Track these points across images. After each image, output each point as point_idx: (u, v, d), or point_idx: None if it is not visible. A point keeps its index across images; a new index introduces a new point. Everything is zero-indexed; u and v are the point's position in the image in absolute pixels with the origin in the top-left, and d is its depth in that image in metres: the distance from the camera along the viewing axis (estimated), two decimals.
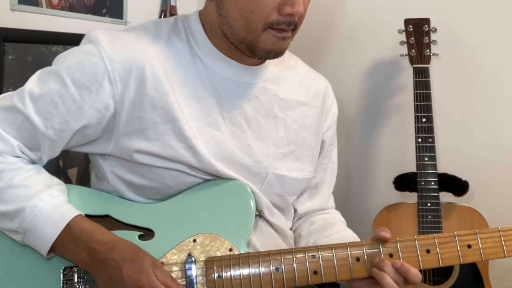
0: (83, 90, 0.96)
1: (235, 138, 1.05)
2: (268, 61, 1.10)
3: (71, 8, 1.55)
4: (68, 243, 0.94)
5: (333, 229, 1.17)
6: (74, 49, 1.01)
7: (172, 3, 1.87)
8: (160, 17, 1.86)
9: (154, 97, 0.98)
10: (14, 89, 1.33)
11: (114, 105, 0.97)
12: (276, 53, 1.01)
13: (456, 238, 0.97)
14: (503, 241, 0.97)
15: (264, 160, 1.08)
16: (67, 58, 0.99)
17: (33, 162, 1.01)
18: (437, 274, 1.61)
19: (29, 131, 0.97)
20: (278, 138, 1.10)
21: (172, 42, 1.03)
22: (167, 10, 1.85)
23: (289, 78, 1.14)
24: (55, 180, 1.02)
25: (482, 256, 0.96)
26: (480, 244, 0.96)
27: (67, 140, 1.00)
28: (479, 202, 1.65)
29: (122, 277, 0.90)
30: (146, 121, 0.98)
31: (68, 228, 0.94)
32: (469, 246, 0.96)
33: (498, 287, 1.58)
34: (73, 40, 1.49)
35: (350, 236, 1.15)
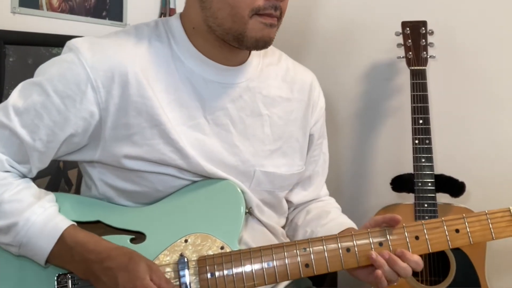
0: (67, 100, 0.95)
1: (221, 139, 1.05)
2: (250, 60, 1.10)
3: (72, 11, 1.56)
4: (63, 254, 0.95)
5: (328, 217, 1.18)
6: (55, 59, 1.00)
7: (172, 6, 1.87)
8: None
9: (139, 102, 0.98)
10: None
11: (99, 112, 0.97)
12: (265, 41, 1.00)
13: (444, 223, 0.98)
14: (490, 224, 0.98)
15: (251, 158, 1.08)
16: (48, 69, 0.98)
17: (23, 175, 1.01)
18: (434, 274, 1.62)
19: (17, 145, 0.97)
20: (265, 136, 1.10)
21: (154, 46, 1.02)
22: (167, 13, 1.85)
23: (272, 75, 1.14)
24: (43, 191, 1.01)
25: (471, 239, 0.97)
26: (468, 228, 0.97)
27: (55, 150, 0.99)
28: (476, 203, 1.65)
29: (117, 286, 0.90)
30: (133, 127, 0.98)
31: (62, 239, 0.94)
32: (457, 231, 0.97)
33: (494, 287, 1.59)
34: None
35: (345, 222, 1.16)
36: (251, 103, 1.08)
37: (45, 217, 0.95)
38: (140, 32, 1.04)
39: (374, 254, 0.96)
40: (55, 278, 0.97)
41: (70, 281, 0.97)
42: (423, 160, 1.58)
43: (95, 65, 0.96)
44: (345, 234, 0.99)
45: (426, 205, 1.57)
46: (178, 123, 1.01)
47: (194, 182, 1.04)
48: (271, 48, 1.11)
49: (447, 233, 0.97)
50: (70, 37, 1.54)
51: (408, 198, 1.63)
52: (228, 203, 1.03)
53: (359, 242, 0.98)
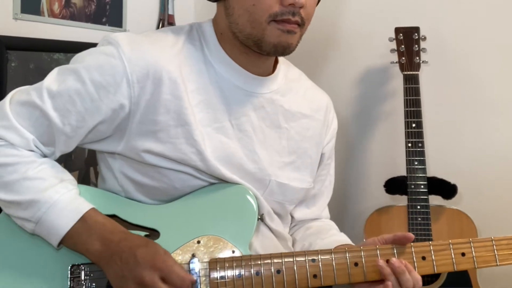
0: (101, 90, 0.98)
1: (242, 144, 1.07)
2: (276, 73, 1.13)
3: (72, 17, 1.59)
4: (81, 234, 0.96)
5: (329, 233, 1.20)
6: (94, 50, 1.02)
7: (170, 12, 1.90)
8: (158, 25, 1.90)
9: (169, 101, 1.00)
10: None
11: (129, 106, 0.99)
12: (283, 47, 1.01)
13: (451, 246, 0.99)
14: (495, 250, 0.99)
15: (267, 167, 1.10)
16: (86, 58, 1.00)
17: (45, 156, 1.03)
18: (427, 275, 1.64)
19: (45, 126, 0.99)
20: (281, 148, 1.13)
21: (188, 49, 1.05)
22: (165, 19, 1.88)
23: (294, 90, 1.16)
24: (67, 174, 1.03)
25: (476, 264, 0.98)
26: (473, 252, 0.99)
27: (82, 137, 1.02)
28: (467, 205, 1.69)
29: (136, 259, 0.91)
30: (159, 124, 1.00)
31: (83, 219, 0.96)
32: (463, 254, 0.99)
33: (486, 287, 1.62)
34: (74, 48, 1.52)
35: (345, 240, 1.17)
36: (272, 115, 1.11)
37: (68, 197, 0.97)
38: (176, 34, 1.07)
39: (381, 262, 0.97)
40: (69, 268, 0.99)
41: (83, 271, 0.98)
42: (416, 163, 1.60)
43: (132, 60, 0.98)
44: (354, 249, 1.00)
45: (419, 207, 1.59)
46: (204, 124, 1.03)
47: (211, 183, 1.06)
48: (292, 66, 1.14)
49: (453, 256, 0.98)
50: (71, 43, 1.57)
51: (401, 200, 1.65)
52: (242, 208, 1.04)
53: (367, 257, 0.99)
